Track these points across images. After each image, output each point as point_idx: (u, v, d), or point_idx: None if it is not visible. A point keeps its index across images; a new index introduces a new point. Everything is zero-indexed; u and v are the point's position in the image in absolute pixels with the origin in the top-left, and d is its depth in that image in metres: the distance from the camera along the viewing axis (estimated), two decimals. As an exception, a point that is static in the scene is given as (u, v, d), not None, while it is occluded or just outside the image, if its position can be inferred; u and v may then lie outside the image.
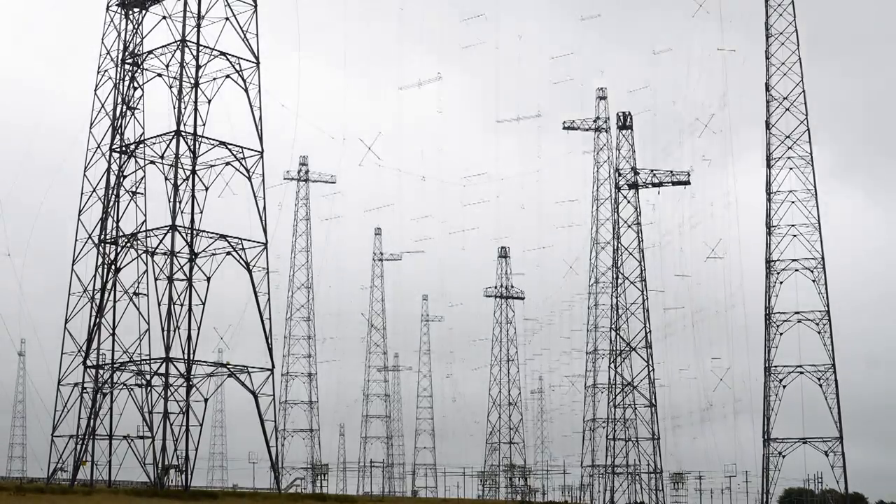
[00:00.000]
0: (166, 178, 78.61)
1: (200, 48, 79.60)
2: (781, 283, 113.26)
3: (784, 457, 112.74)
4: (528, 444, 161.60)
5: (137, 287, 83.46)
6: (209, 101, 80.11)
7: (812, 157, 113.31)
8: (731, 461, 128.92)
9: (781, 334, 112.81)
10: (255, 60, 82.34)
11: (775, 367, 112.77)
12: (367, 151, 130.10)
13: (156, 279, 77.94)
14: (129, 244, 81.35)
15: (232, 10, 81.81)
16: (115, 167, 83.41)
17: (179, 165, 77.71)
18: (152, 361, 78.92)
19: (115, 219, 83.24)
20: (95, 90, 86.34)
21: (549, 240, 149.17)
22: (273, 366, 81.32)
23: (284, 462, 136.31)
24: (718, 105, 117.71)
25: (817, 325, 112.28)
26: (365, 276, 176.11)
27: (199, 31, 79.62)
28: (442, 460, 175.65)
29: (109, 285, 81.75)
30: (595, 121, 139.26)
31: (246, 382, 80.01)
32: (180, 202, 77.37)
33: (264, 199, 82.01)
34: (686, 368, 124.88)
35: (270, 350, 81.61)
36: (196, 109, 79.16)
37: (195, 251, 77.24)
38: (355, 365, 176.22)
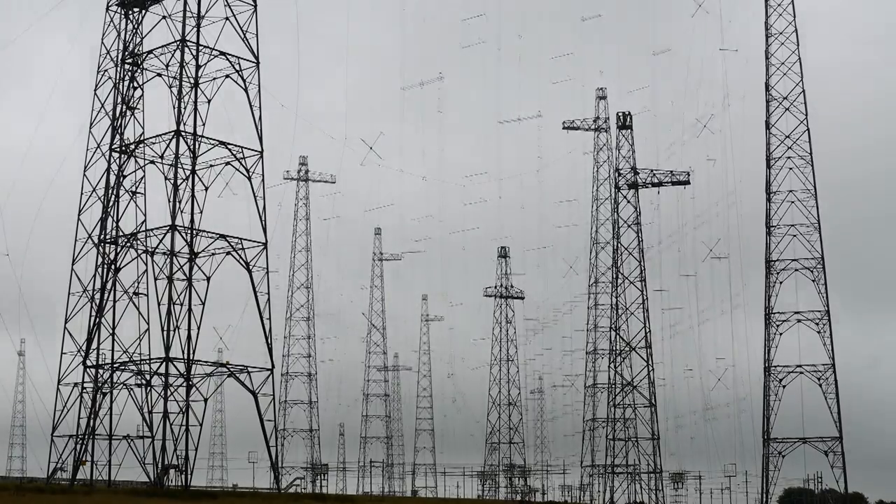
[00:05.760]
0: (166, 178, 78.58)
1: (200, 48, 79.57)
2: (781, 283, 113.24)
3: (784, 457, 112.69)
4: (528, 444, 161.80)
5: (137, 287, 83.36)
6: (209, 101, 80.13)
7: (812, 157, 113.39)
8: (731, 461, 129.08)
9: (781, 334, 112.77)
10: (254, 60, 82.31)
11: (775, 367, 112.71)
12: (368, 151, 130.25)
13: (155, 279, 77.91)
14: (128, 244, 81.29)
15: (232, 10, 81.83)
16: (114, 167, 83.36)
17: (179, 165, 77.69)
18: (152, 361, 78.83)
19: (115, 219, 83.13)
20: (95, 90, 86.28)
21: (549, 240, 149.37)
22: (273, 366, 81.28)
23: (284, 462, 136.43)
24: (719, 105, 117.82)
25: (817, 325, 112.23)
26: (365, 276, 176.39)
27: (198, 31, 79.58)
28: (442, 460, 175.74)
29: (109, 285, 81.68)
30: (595, 121, 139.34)
31: (246, 382, 80.00)
32: (180, 202, 77.32)
33: (264, 199, 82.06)
34: (687, 368, 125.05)
35: (270, 350, 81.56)
36: (196, 109, 79.12)
37: (195, 251, 77.19)
38: (355, 365, 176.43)
